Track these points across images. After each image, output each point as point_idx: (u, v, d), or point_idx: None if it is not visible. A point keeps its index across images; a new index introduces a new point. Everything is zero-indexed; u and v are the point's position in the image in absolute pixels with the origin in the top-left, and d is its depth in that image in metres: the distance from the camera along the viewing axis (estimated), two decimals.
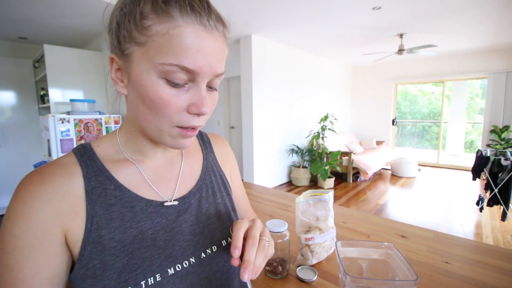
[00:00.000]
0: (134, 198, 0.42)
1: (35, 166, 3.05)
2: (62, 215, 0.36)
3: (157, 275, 0.40)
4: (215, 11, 0.37)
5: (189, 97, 0.37)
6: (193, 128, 0.39)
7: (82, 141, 2.58)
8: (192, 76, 0.35)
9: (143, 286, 0.38)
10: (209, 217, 0.49)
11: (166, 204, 0.44)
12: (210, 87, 0.39)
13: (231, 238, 0.45)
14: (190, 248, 0.44)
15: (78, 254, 0.37)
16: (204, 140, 0.57)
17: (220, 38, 0.37)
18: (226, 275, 0.48)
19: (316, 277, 0.76)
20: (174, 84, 0.35)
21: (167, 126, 0.38)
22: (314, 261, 0.83)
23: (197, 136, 0.57)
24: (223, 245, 0.49)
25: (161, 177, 0.46)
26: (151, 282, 0.39)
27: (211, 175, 0.53)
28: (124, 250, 0.39)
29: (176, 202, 0.45)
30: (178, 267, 0.42)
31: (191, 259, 0.44)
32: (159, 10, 0.34)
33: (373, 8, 2.87)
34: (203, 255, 0.45)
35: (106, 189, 0.40)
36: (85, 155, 0.41)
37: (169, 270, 0.41)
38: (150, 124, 0.38)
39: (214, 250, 0.47)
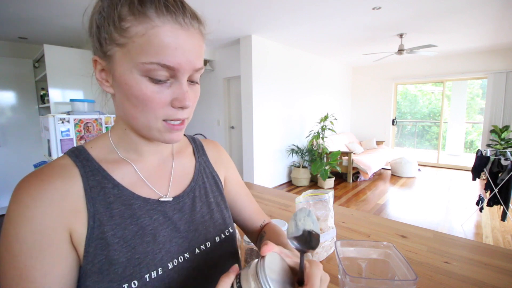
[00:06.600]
0: (132, 196, 0.43)
1: (35, 166, 3.05)
2: (65, 215, 0.37)
3: (159, 269, 0.41)
4: (189, 8, 0.39)
5: (172, 92, 0.39)
6: (180, 123, 0.42)
7: (82, 141, 2.58)
8: (173, 72, 0.38)
9: (147, 280, 0.40)
10: (203, 215, 0.51)
11: (161, 200, 0.46)
12: (191, 81, 0.42)
13: (224, 235, 0.52)
14: (185, 244, 0.46)
15: (84, 251, 0.38)
16: (196, 145, 0.60)
17: (196, 34, 0.39)
18: (220, 269, 0.49)
19: None
20: (156, 81, 0.37)
21: (154, 121, 0.40)
22: None
23: (190, 141, 0.60)
24: (217, 241, 0.51)
25: (155, 176, 0.48)
26: (154, 275, 0.40)
27: (204, 176, 0.56)
28: (126, 245, 0.40)
29: (170, 198, 0.47)
30: (175, 262, 0.44)
31: (185, 254, 0.46)
32: (136, 12, 0.36)
33: (373, 8, 2.87)
34: (197, 250, 0.48)
35: (104, 188, 0.41)
36: (80, 156, 0.42)
37: (169, 264, 0.43)
38: (138, 120, 0.40)
39: (208, 246, 0.49)
